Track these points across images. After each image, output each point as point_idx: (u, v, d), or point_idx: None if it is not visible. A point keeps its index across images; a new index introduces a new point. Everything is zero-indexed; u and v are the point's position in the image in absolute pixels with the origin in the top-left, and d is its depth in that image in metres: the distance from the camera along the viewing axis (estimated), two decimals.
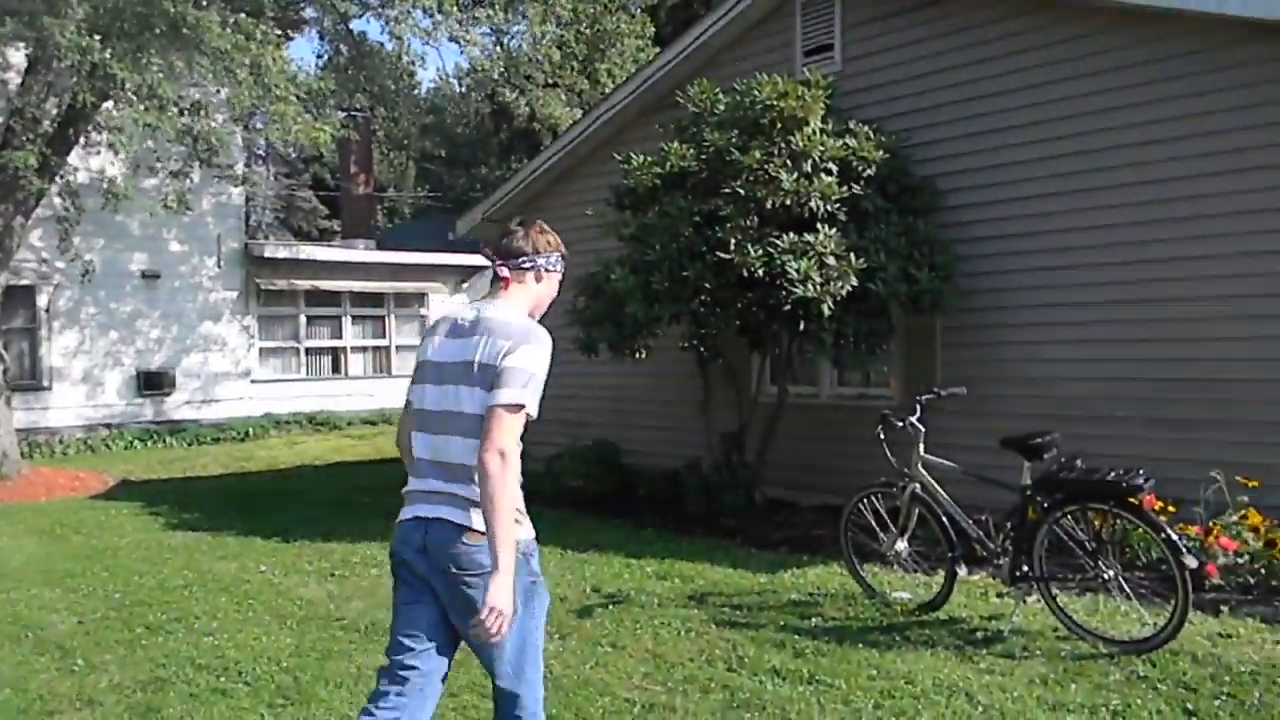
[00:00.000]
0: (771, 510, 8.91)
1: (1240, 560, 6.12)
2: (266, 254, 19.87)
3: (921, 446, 5.83)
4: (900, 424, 5.74)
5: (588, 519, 9.23)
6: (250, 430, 18.76)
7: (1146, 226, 7.45)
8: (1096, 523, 5.16)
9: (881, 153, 7.93)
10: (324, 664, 5.27)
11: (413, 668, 3.10)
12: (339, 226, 31.25)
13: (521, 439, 2.99)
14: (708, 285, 7.67)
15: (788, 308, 7.33)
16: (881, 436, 5.80)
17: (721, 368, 9.22)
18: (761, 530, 8.23)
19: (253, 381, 19.56)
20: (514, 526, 2.88)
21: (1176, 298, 7.34)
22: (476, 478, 2.91)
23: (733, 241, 7.47)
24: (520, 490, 2.99)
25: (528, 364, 3.00)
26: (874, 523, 6.09)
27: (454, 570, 2.99)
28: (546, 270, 3.25)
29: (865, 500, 6.10)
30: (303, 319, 20.28)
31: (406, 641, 3.11)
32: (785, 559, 7.26)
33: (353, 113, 24.27)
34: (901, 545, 6.06)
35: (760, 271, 7.41)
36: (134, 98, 11.23)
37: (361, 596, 6.61)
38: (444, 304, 21.78)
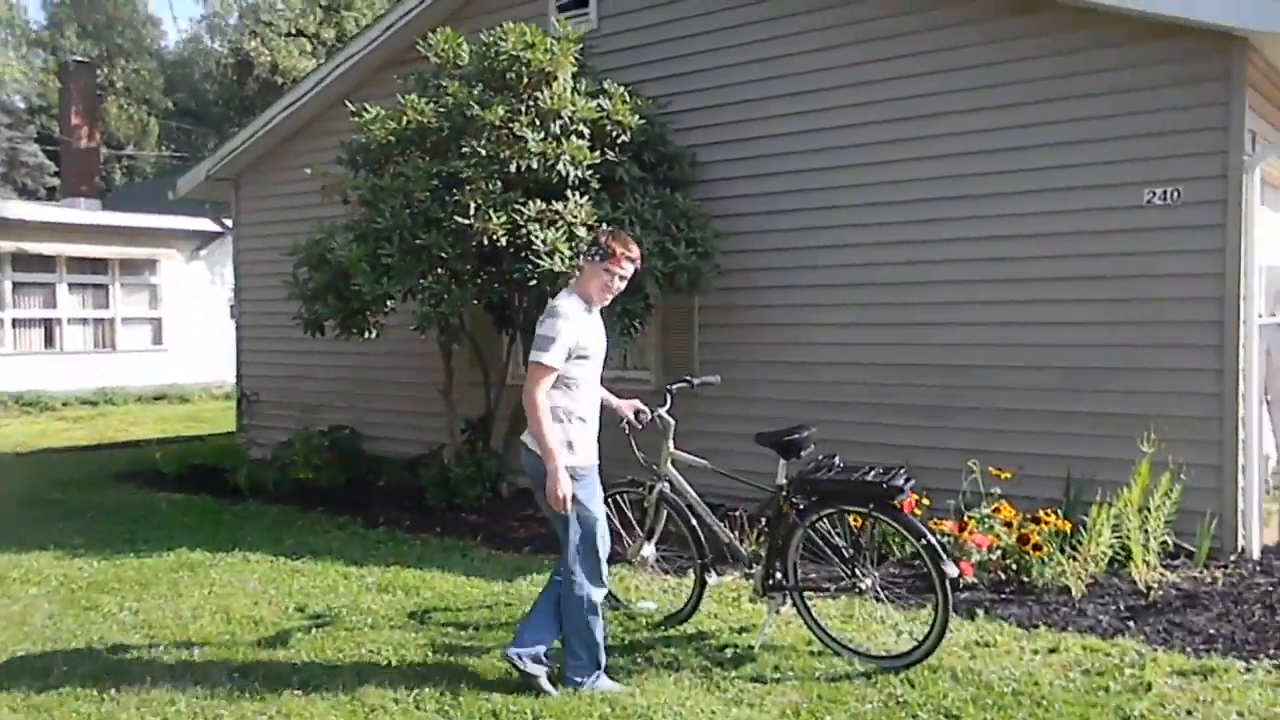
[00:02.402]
0: (519, 503, 8.16)
1: (993, 557, 5.88)
2: None
3: (671, 442, 5.23)
4: (637, 427, 5.09)
5: (314, 516, 8.20)
6: None
7: (902, 207, 7.17)
8: (855, 526, 4.70)
9: (638, 118, 7.30)
10: None
11: None
12: None
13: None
14: (445, 256, 6.81)
15: (534, 282, 6.58)
16: (626, 431, 5.15)
17: (467, 348, 8.40)
18: (505, 527, 7.48)
19: None
20: (553, 444, 4.22)
21: (929, 280, 7.10)
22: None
23: (473, 206, 6.65)
24: (574, 423, 4.37)
25: (542, 330, 4.29)
26: (619, 525, 5.45)
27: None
28: (591, 260, 4.46)
29: (609, 500, 5.43)
30: (7, 285, 17.90)
31: None
32: (527, 561, 6.54)
33: (76, 58, 21.68)
34: (649, 550, 5.44)
35: (504, 240, 6.63)
36: None
37: (4, 625, 5.40)
38: (177, 272, 19.80)
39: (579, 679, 4.39)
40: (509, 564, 6.56)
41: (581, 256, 6.50)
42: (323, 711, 4.16)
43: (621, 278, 4.45)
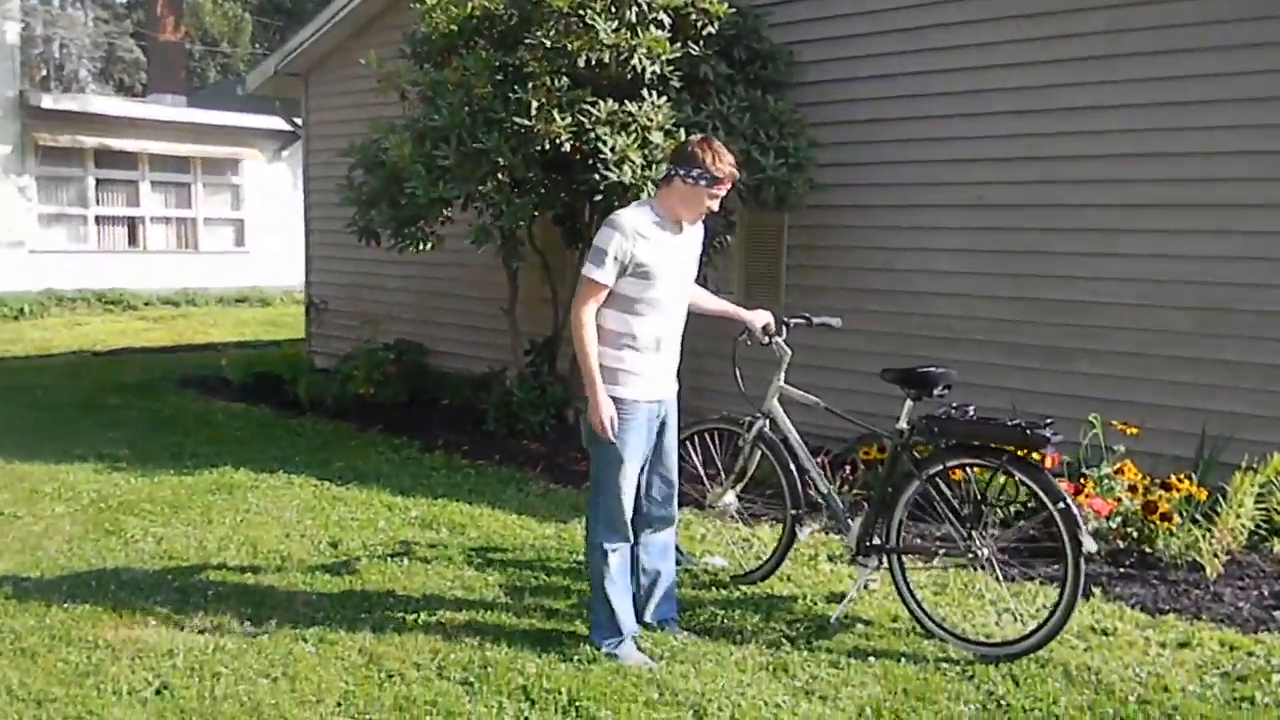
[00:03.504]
0: None
1: (1112, 525, 5.12)
2: (45, 104, 17.20)
3: (783, 375, 4.56)
4: (765, 342, 4.44)
5: (370, 435, 7.78)
6: (26, 307, 16.43)
7: (1034, 118, 6.25)
8: (981, 483, 4.01)
9: (727, 6, 6.46)
10: None
11: None
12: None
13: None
14: (504, 162, 6.15)
15: (600, 195, 5.89)
16: (735, 352, 4.53)
17: (537, 263, 7.78)
18: (567, 458, 6.92)
19: (30, 252, 17.12)
20: (593, 368, 3.74)
21: (1058, 203, 6.21)
22: None
23: (535, 105, 5.95)
24: (625, 350, 3.82)
25: (596, 241, 3.78)
26: (700, 467, 4.84)
27: None
28: (684, 180, 3.81)
29: (693, 440, 4.81)
30: (91, 182, 17.80)
31: None
32: (586, 498, 5.98)
33: None
34: (731, 496, 4.83)
35: (568, 146, 5.93)
36: None
37: (11, 551, 5.02)
38: (260, 173, 19.51)
39: (598, 641, 3.90)
40: (566, 501, 6.02)
41: (654, 166, 5.86)
42: (333, 677, 3.67)
43: (713, 195, 3.84)
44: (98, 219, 18.01)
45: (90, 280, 17.54)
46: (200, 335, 14.76)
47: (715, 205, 3.90)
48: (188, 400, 9.22)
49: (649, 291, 3.81)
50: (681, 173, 3.79)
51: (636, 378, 3.85)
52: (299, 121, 11.54)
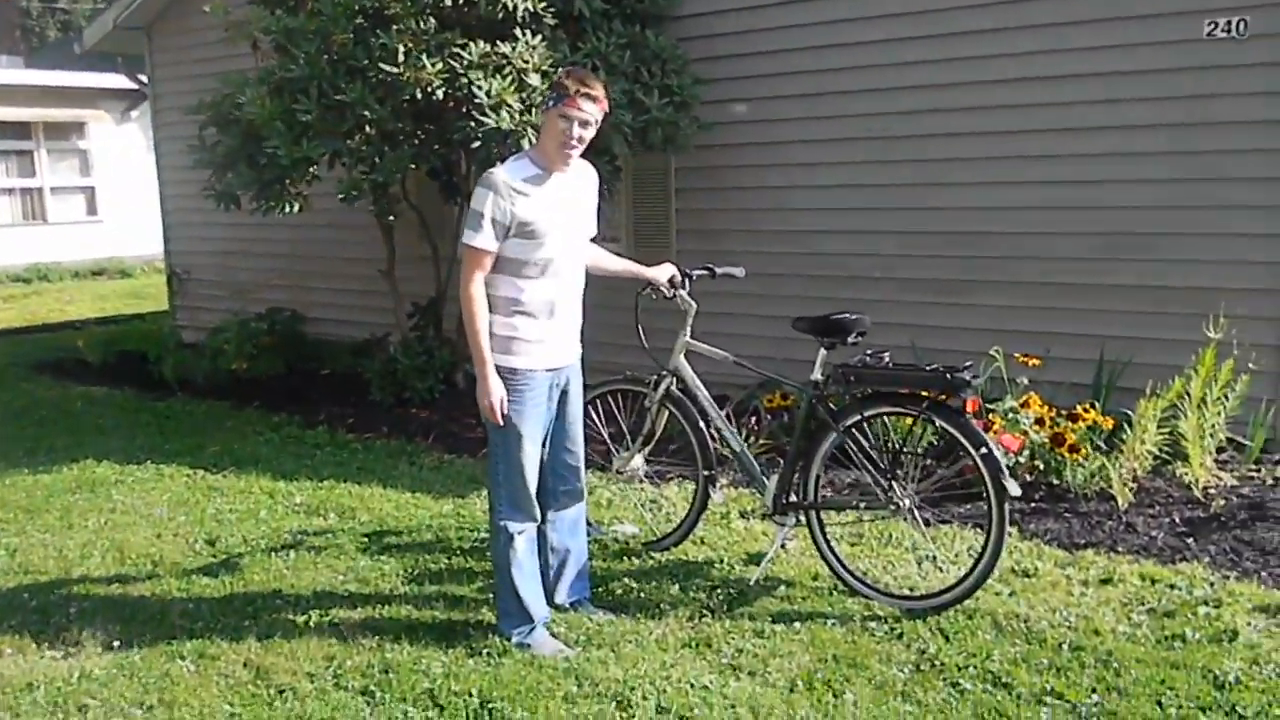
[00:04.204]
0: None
1: (1021, 460, 5.06)
2: None
3: (689, 330, 4.29)
4: (670, 295, 4.17)
5: (246, 414, 7.29)
6: None
7: (918, 44, 6.07)
8: (900, 431, 3.84)
9: None
10: None
11: None
12: None
13: None
14: (371, 114, 5.69)
15: (478, 143, 5.51)
16: (638, 308, 4.25)
17: (414, 220, 7.34)
18: (461, 425, 6.59)
19: None
20: (482, 343, 3.46)
21: (949, 132, 6.07)
22: None
23: (402, 50, 5.50)
24: (516, 317, 3.52)
25: (472, 204, 3.47)
26: (603, 429, 4.57)
27: None
28: (545, 110, 3.51)
29: (594, 403, 4.52)
30: None
31: None
32: (483, 467, 5.68)
33: None
34: (639, 460, 4.57)
35: (440, 94, 5.52)
36: None
37: None
38: (109, 135, 18.28)
39: (507, 631, 3.63)
40: (463, 473, 5.70)
41: (534, 111, 5.50)
42: (216, 699, 3.31)
43: (582, 122, 3.44)
44: None
45: None
46: (56, 313, 13.80)
47: (585, 133, 3.46)
48: (42, 387, 8.53)
49: (537, 252, 3.48)
50: (551, 105, 3.46)
51: (531, 345, 3.54)
52: (144, 79, 10.70)
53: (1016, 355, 5.45)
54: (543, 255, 3.50)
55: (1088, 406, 5.16)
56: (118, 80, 17.52)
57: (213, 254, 10.15)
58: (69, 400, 7.95)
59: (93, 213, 18.36)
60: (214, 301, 9.93)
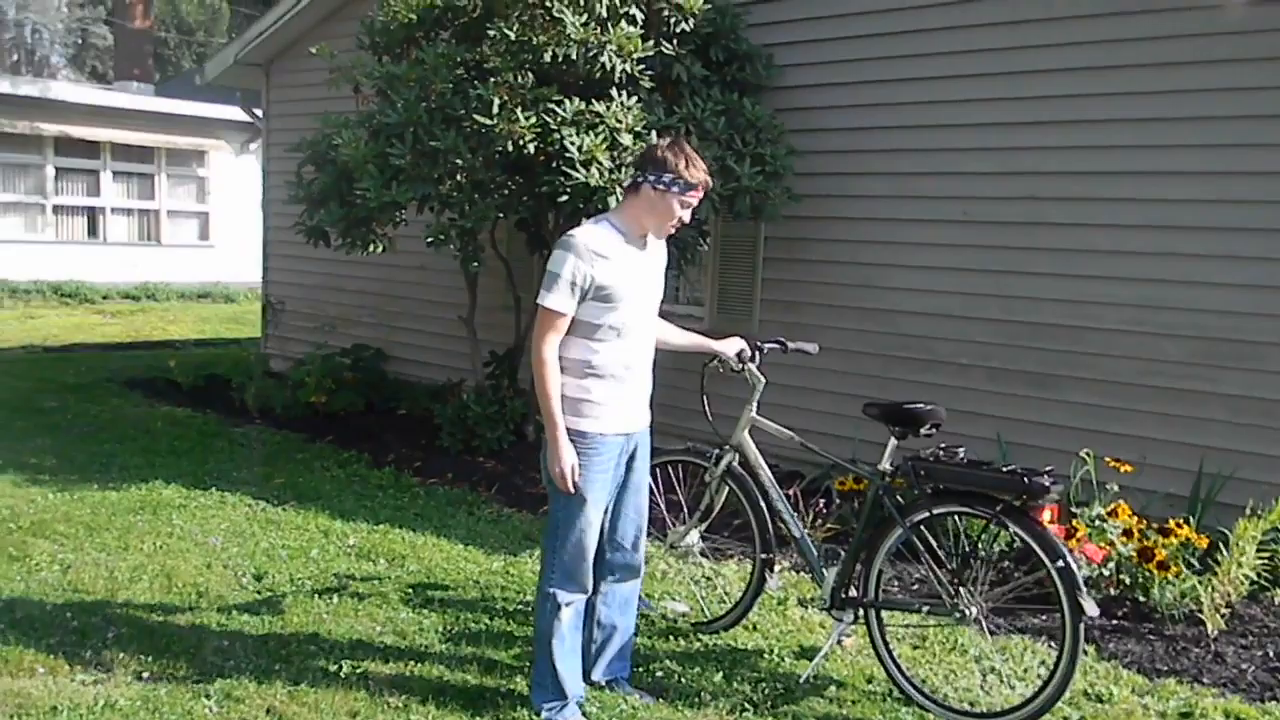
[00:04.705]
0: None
1: (1106, 573, 4.75)
2: (3, 89, 16.62)
3: (755, 405, 4.14)
4: (738, 369, 4.03)
5: (318, 448, 7.32)
6: None
7: (1022, 130, 5.88)
8: (970, 533, 3.61)
9: (704, 3, 6.05)
10: None
11: None
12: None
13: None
14: (462, 162, 5.72)
15: (565, 197, 5.48)
16: (704, 380, 4.13)
17: (499, 269, 7.35)
18: (525, 479, 6.50)
19: None
20: (554, 406, 3.35)
21: (1045, 221, 5.84)
22: None
23: (497, 103, 5.52)
24: (590, 379, 3.41)
25: (549, 264, 3.37)
26: (660, 501, 4.42)
27: None
28: (653, 187, 3.40)
29: (654, 471, 4.37)
30: (50, 171, 17.20)
31: None
32: (541, 525, 5.56)
33: None
34: (694, 536, 4.41)
35: (532, 147, 5.51)
36: None
37: None
38: (226, 165, 18.96)
39: (538, 704, 3.48)
40: (519, 529, 5.60)
41: (623, 170, 5.45)
42: None
43: (685, 203, 3.41)
44: (56, 209, 17.41)
45: (47, 272, 16.97)
46: (158, 331, 14.24)
47: (688, 216, 3.47)
48: (130, 404, 8.73)
49: (612, 316, 3.39)
50: (651, 179, 3.38)
51: (602, 409, 3.43)
52: (259, 114, 11.04)
53: (1108, 459, 5.15)
54: (617, 319, 3.41)
55: (1181, 521, 4.84)
56: (239, 113, 18.24)
57: (306, 287, 10.34)
58: (151, 419, 8.10)
59: (205, 238, 19.00)
60: (303, 333, 10.08)
